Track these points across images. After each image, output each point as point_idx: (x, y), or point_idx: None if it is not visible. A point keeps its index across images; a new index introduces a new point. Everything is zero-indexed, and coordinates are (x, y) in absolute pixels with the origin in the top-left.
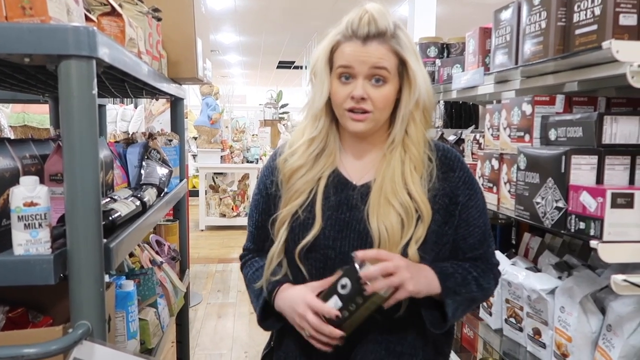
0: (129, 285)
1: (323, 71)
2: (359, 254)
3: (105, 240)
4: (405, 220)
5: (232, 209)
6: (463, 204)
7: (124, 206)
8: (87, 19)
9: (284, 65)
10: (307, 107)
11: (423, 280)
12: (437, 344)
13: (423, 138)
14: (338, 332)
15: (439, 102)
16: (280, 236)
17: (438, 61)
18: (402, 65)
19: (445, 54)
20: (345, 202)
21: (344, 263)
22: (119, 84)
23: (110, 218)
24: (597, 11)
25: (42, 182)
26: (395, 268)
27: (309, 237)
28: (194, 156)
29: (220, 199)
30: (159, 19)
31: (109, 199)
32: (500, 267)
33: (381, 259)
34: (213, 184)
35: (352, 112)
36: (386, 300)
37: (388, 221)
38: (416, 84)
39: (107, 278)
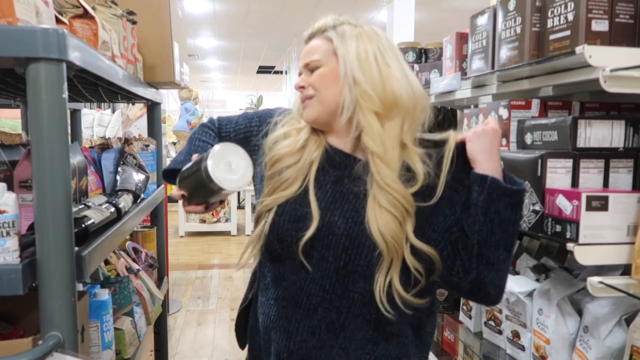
0: (104, 294)
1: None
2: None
3: (77, 249)
4: (402, 220)
5: (212, 214)
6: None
7: (97, 213)
8: (59, 21)
9: (264, 70)
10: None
11: (487, 153)
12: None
13: (378, 131)
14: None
15: None
16: (263, 223)
17: (416, 66)
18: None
19: (423, 59)
20: (347, 174)
21: (330, 234)
22: (93, 87)
23: (83, 225)
24: (570, 17)
25: (11, 189)
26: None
27: (309, 233)
28: None
29: None
30: (134, 22)
31: (82, 205)
32: None
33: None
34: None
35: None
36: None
37: (389, 229)
38: (342, 60)
39: (80, 287)
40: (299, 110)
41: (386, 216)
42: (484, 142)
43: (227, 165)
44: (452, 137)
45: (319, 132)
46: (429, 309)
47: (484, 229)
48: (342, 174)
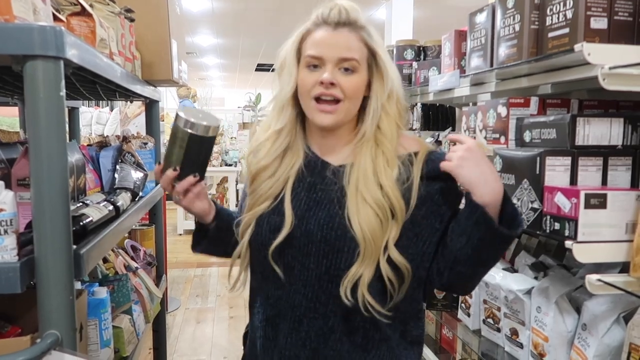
0: (102, 292)
1: (291, 61)
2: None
3: (75, 247)
4: (384, 221)
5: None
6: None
7: (96, 211)
8: (56, 18)
9: (262, 67)
10: (273, 100)
11: (479, 172)
12: None
13: (395, 132)
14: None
15: (416, 104)
16: (245, 238)
17: (415, 64)
18: (372, 58)
19: (421, 57)
20: (319, 181)
21: (309, 242)
22: (90, 85)
23: (81, 223)
24: (569, 14)
25: (9, 187)
26: (459, 147)
27: (280, 238)
28: None
29: None
30: (131, 20)
31: (80, 203)
32: None
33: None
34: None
35: (320, 103)
36: (194, 137)
37: (369, 224)
38: (388, 75)
39: (78, 285)
40: (285, 103)
41: (368, 211)
42: (472, 166)
43: (197, 116)
44: (422, 150)
45: (299, 135)
46: (416, 315)
47: (464, 251)
48: (315, 180)
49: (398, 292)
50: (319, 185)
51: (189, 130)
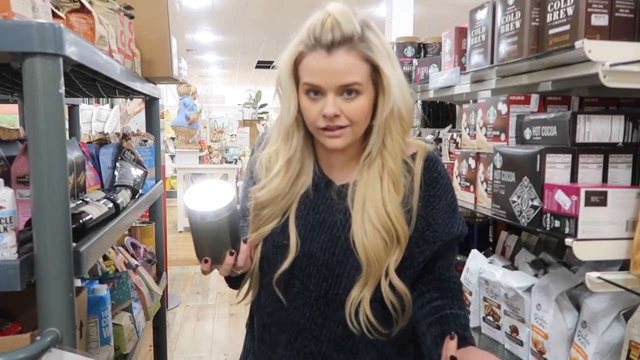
0: (102, 290)
1: (288, 86)
2: None
3: (74, 244)
4: (389, 243)
5: None
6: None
7: (95, 209)
8: (55, 15)
9: (262, 65)
10: (277, 123)
11: None
12: None
13: (400, 148)
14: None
15: (416, 101)
16: (255, 258)
17: (415, 61)
18: (376, 72)
19: (422, 54)
20: (323, 202)
21: (311, 264)
22: (90, 83)
23: (81, 221)
24: (570, 11)
25: (9, 184)
26: None
27: (285, 265)
28: (172, 157)
29: None
30: (131, 17)
31: (80, 201)
32: (477, 266)
33: None
34: (191, 184)
35: (327, 130)
36: (211, 223)
37: (374, 245)
38: (390, 93)
39: (78, 283)
40: (290, 129)
41: (374, 232)
42: None
43: (212, 197)
44: (420, 150)
45: (308, 156)
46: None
47: (421, 332)
48: (318, 200)
49: (402, 317)
50: (322, 206)
51: (228, 214)
